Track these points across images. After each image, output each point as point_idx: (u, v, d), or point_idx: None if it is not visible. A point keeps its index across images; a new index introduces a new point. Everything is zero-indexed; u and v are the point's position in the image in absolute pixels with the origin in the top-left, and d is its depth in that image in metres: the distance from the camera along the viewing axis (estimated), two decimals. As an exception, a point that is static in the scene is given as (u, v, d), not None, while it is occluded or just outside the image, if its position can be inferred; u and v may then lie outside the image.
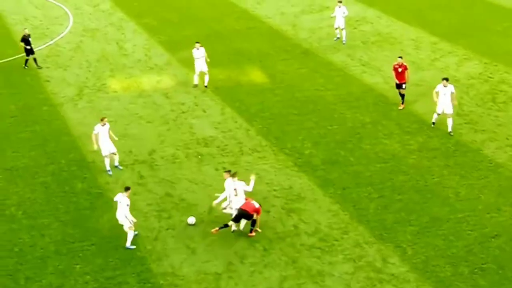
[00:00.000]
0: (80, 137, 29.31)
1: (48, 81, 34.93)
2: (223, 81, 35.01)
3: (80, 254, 21.88)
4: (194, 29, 41.91)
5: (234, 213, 22.50)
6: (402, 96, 31.09)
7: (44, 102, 32.66)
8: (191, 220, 23.22)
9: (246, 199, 22.57)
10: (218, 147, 28.55)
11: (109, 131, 26.43)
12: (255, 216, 22.42)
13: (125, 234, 22.16)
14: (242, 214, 22.18)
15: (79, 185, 25.85)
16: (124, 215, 22.07)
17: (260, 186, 25.41)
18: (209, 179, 26.13)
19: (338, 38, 39.17)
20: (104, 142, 26.21)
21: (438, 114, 28.97)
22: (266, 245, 22.24)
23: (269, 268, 21.17)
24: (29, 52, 35.84)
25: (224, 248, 22.09)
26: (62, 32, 41.93)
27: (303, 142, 28.79)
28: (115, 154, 26.68)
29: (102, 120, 26.47)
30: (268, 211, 24.02)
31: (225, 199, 23.04)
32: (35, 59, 36.19)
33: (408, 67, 30.79)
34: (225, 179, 22.98)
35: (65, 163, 27.31)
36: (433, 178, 25.63)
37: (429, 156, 27.18)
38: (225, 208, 23.08)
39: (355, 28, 41.24)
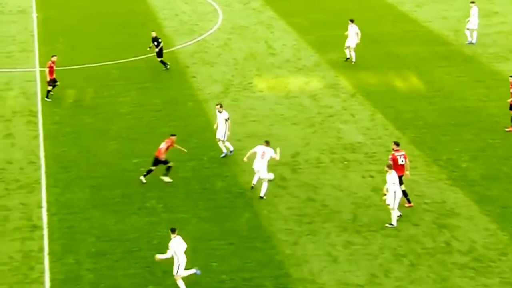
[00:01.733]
0: (223, 135, 30.17)
1: (194, 77, 36.26)
2: (375, 85, 34.84)
3: (218, 253, 22.50)
4: (346, 31, 41.95)
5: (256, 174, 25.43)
6: None
7: (189, 97, 33.93)
8: (271, 175, 25.32)
9: None
10: (366, 154, 28.44)
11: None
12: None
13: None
14: None
15: (220, 183, 26.60)
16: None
17: (410, 198, 25.02)
18: (354, 186, 26.09)
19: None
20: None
21: None
22: (413, 260, 21.87)
23: (416, 285, 20.79)
24: (158, 54, 36.69)
25: (368, 259, 21.95)
26: (211, 29, 43.40)
27: (460, 155, 28.08)
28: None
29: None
30: (417, 225, 23.63)
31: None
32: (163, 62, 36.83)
33: None
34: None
35: (206, 160, 28.21)
36: None
37: None
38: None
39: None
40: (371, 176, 26.78)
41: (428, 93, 33.86)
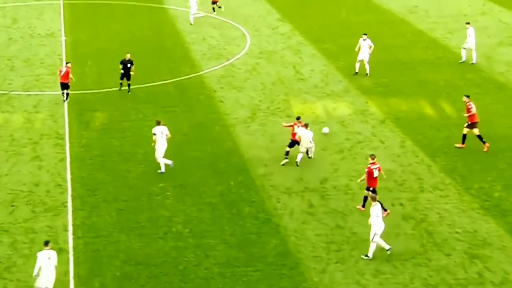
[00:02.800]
0: (250, 160, 30.30)
1: (221, 101, 36.51)
2: (405, 112, 34.83)
3: (244, 279, 22.50)
4: (377, 57, 42.09)
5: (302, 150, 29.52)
6: None
7: (216, 122, 34.14)
8: (326, 130, 28.09)
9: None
10: (395, 181, 28.37)
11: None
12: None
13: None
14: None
15: (247, 208, 26.66)
16: None
17: (440, 227, 24.94)
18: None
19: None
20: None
21: None
22: (444, 290, 21.73)
23: (447, 316, 20.62)
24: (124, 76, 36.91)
25: (397, 289, 21.83)
26: (239, 54, 43.74)
27: (493, 184, 27.91)
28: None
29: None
30: (449, 254, 23.46)
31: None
32: (129, 85, 37.08)
33: None
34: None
35: (233, 185, 28.31)
36: None
37: None
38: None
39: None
40: (401, 204, 26.68)
41: (459, 120, 33.64)
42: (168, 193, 27.64)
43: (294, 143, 29.79)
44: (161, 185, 28.20)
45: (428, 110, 35.18)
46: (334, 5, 54.18)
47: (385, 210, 24.91)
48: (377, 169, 25.77)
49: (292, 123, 30.29)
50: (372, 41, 38.96)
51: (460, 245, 24.02)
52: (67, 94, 36.01)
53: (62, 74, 35.89)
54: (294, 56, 43.24)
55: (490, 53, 42.41)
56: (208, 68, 41.07)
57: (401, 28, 48.22)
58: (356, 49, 39.53)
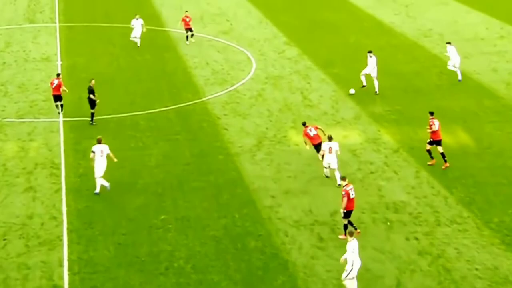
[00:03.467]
0: (256, 191, 30.29)
1: (226, 129, 36.58)
2: (420, 141, 34.77)
3: (250, 318, 22.40)
4: (389, 83, 42.22)
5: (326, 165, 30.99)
6: None
7: (220, 150, 34.18)
8: (352, 91, 29.64)
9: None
10: (410, 214, 28.31)
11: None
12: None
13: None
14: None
15: (253, 243, 26.59)
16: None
17: (459, 264, 24.82)
18: (398, 249, 25.92)
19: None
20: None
21: None
22: (464, 331, 21.57)
23: None
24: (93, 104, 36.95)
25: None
26: (244, 79, 43.92)
27: (513, 217, 27.88)
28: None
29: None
30: (468, 293, 23.34)
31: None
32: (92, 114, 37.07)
33: None
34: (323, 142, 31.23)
35: (238, 218, 28.26)
36: None
37: None
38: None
39: None
40: (416, 239, 26.59)
41: (477, 150, 33.74)
42: (170, 226, 27.59)
43: (318, 146, 31.97)
44: (162, 217, 28.18)
45: (444, 139, 34.99)
46: (343, 28, 54.44)
47: (356, 228, 26.61)
48: (352, 189, 26.76)
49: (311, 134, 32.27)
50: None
51: (480, 283, 23.88)
52: (62, 105, 37.74)
53: (54, 86, 37.47)
54: (302, 81, 43.38)
55: (510, 79, 42.49)
56: (212, 94, 41.21)
57: (415, 52, 48.40)
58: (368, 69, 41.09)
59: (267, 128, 36.60)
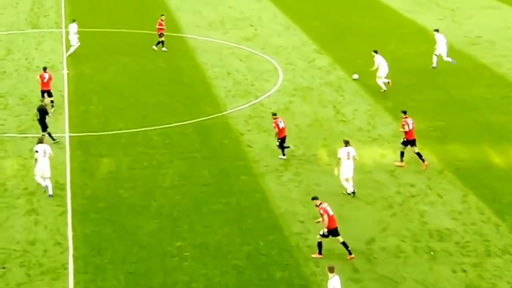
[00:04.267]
0: (282, 215, 30.31)
1: (249, 146, 36.69)
2: (467, 161, 34.73)
3: None
4: (430, 95, 42.22)
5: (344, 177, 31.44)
6: None
7: (243, 170, 34.26)
8: (356, 76, 31.78)
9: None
10: (457, 243, 28.19)
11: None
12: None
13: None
14: None
15: (279, 273, 26.57)
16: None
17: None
18: (443, 282, 25.83)
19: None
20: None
21: None
22: None
23: None
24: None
25: None
26: (269, 90, 44.06)
27: None
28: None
29: None
30: (522, 332, 23.13)
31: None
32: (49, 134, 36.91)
33: None
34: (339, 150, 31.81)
35: (263, 245, 28.27)
36: None
37: None
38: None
39: None
40: (464, 271, 26.46)
41: (531, 171, 33.64)
42: (186, 254, 27.65)
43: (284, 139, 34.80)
44: (178, 244, 28.26)
45: (495, 159, 35.02)
46: (381, 34, 54.50)
47: (350, 253, 27.26)
48: (328, 206, 27.47)
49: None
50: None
51: (536, 320, 23.74)
52: (52, 101, 40.06)
53: (45, 80, 39.89)
54: (334, 93, 43.45)
55: None
56: (234, 108, 41.38)
57: (461, 61, 48.25)
58: (374, 68, 42.82)
59: (295, 146, 36.63)
